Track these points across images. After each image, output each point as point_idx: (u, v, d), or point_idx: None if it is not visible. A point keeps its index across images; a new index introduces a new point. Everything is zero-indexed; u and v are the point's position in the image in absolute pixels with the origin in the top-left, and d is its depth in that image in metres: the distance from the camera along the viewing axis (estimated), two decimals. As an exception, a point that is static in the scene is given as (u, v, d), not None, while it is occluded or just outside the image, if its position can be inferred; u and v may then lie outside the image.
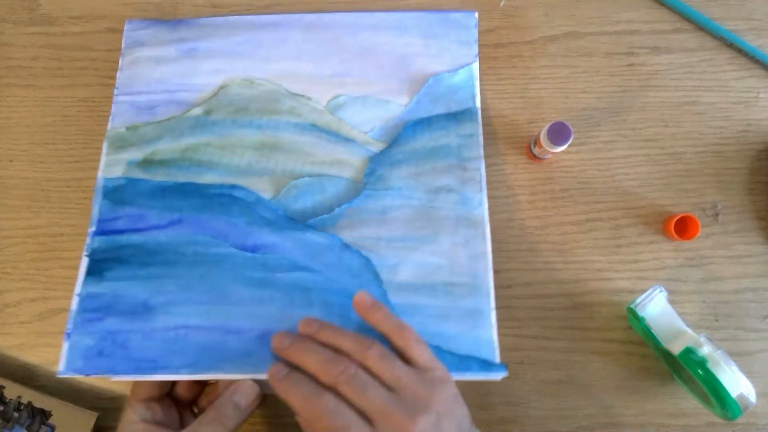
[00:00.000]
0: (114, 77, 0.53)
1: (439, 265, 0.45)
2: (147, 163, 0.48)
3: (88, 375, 0.41)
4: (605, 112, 0.51)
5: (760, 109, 0.51)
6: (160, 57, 0.51)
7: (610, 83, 0.52)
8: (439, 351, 0.42)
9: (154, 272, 0.44)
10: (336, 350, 0.37)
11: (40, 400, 0.47)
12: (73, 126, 0.53)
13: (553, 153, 0.48)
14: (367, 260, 0.45)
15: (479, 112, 0.49)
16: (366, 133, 0.49)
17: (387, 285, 0.45)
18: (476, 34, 0.51)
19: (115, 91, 0.51)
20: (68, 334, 0.43)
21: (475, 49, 0.51)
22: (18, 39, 0.55)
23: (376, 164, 0.48)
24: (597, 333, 0.48)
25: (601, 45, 0.52)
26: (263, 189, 0.47)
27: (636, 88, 0.52)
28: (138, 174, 0.48)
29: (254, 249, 0.45)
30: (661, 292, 0.44)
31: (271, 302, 0.43)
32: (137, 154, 0.48)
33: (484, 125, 0.51)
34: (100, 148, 0.52)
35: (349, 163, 0.48)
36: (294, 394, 0.35)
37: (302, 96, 0.50)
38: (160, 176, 0.47)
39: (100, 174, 0.48)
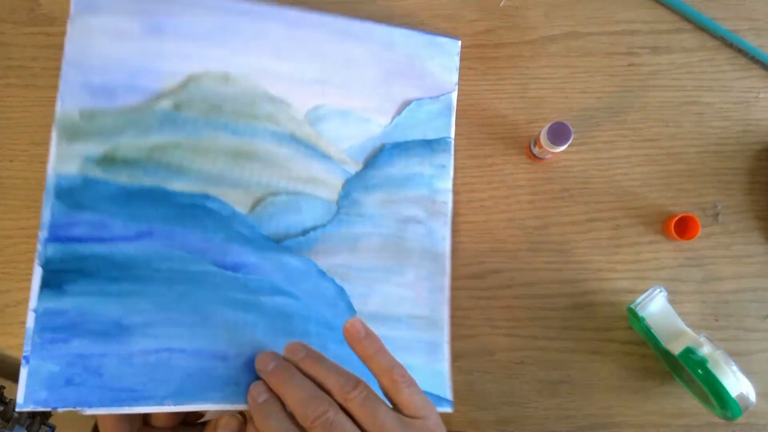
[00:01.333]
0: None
1: (404, 297, 0.46)
2: (108, 161, 0.42)
3: (54, 409, 0.35)
4: (605, 112, 0.51)
5: (760, 109, 0.51)
6: (119, 30, 0.43)
7: (610, 83, 0.52)
8: None
9: (126, 288, 0.39)
10: (319, 384, 0.34)
11: (40, 400, 0.47)
12: (73, 126, 0.53)
13: (553, 153, 0.48)
14: (341, 290, 0.45)
15: (452, 143, 0.50)
16: (342, 151, 0.48)
17: (358, 315, 0.44)
18: (458, 62, 0.51)
19: (63, 63, 0.43)
20: (26, 358, 0.36)
21: (456, 77, 0.51)
22: (18, 39, 0.55)
23: (351, 187, 0.47)
24: (597, 333, 0.48)
25: (601, 45, 0.52)
26: (237, 202, 0.44)
27: (636, 88, 0.52)
28: (97, 173, 0.41)
29: (234, 268, 0.42)
30: (661, 292, 0.44)
31: (255, 327, 0.41)
32: (96, 148, 0.42)
33: (483, 125, 0.51)
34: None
35: (324, 181, 0.47)
36: (267, 427, 0.33)
37: (281, 101, 0.46)
38: (123, 177, 0.41)
39: (50, 169, 0.41)
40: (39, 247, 0.39)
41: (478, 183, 0.50)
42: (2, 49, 0.55)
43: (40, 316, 0.37)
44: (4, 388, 0.47)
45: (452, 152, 0.50)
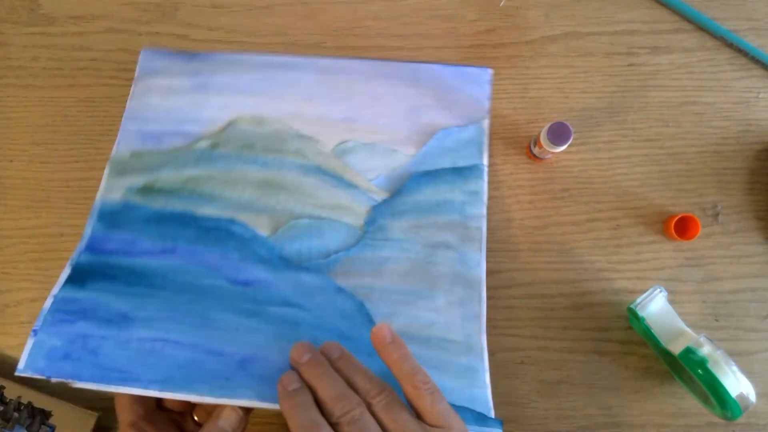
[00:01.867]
0: (114, 77, 0.53)
1: (434, 321, 0.44)
2: (147, 190, 0.47)
3: (48, 378, 0.37)
4: (605, 112, 0.51)
5: (760, 109, 0.51)
6: (171, 87, 0.50)
7: (610, 83, 0.52)
8: None
9: (140, 291, 0.42)
10: (350, 384, 0.35)
11: (40, 400, 0.47)
12: (73, 126, 0.53)
13: (553, 153, 0.48)
14: (361, 304, 0.44)
15: (486, 170, 0.49)
16: (370, 180, 0.48)
17: None
18: (489, 91, 0.50)
19: (124, 117, 0.50)
20: (35, 331, 0.39)
21: (487, 105, 0.50)
22: (18, 39, 0.55)
23: (378, 213, 0.47)
24: (597, 333, 0.48)
25: (601, 45, 0.52)
26: (261, 226, 0.46)
27: (636, 88, 0.52)
28: (136, 200, 0.46)
29: (245, 283, 0.44)
30: (661, 292, 0.44)
31: (258, 332, 0.41)
32: (138, 180, 0.47)
33: (484, 125, 0.51)
34: (101, 148, 0.52)
35: (350, 209, 0.47)
36: (295, 417, 0.33)
37: (310, 138, 0.49)
38: (158, 203, 0.46)
39: (98, 197, 0.47)
40: (74, 254, 0.44)
41: (478, 183, 0.50)
42: (2, 49, 0.55)
43: (57, 301, 0.41)
44: (4, 388, 0.47)
45: (485, 179, 0.48)
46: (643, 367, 0.47)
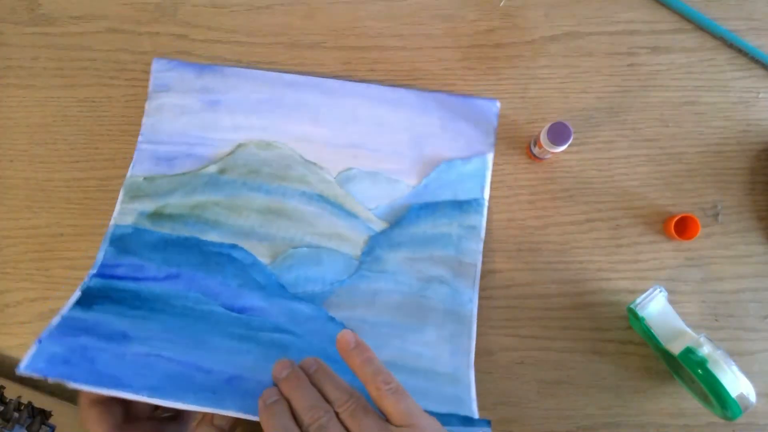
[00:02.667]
0: (114, 77, 0.53)
1: (422, 354, 0.45)
2: (157, 216, 0.49)
3: (46, 377, 0.39)
4: (605, 112, 0.51)
5: (760, 109, 0.51)
6: (184, 106, 0.51)
7: (610, 83, 0.52)
8: None
9: (141, 314, 0.44)
10: (323, 394, 0.36)
11: (40, 400, 0.47)
12: (73, 126, 0.53)
13: (553, 153, 0.48)
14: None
15: (486, 204, 0.49)
16: (370, 210, 0.49)
17: None
18: (495, 123, 0.51)
19: (140, 138, 0.51)
20: (39, 341, 0.41)
21: (493, 138, 0.50)
22: (18, 39, 0.55)
23: (375, 244, 0.48)
24: (597, 333, 0.48)
25: (601, 45, 0.52)
26: (262, 253, 0.48)
27: (636, 88, 0.52)
28: (146, 225, 0.49)
29: (241, 310, 0.46)
30: (661, 292, 0.44)
31: (248, 354, 0.43)
32: (150, 205, 0.49)
33: (484, 125, 0.51)
34: (100, 148, 0.52)
35: (349, 238, 0.48)
36: (270, 427, 0.35)
37: (314, 164, 0.50)
38: (166, 229, 0.48)
39: (112, 221, 0.49)
40: (85, 279, 0.46)
41: (478, 183, 0.50)
42: (2, 49, 0.55)
43: (64, 318, 0.43)
44: (4, 388, 0.47)
45: (485, 214, 0.49)
46: (643, 367, 0.47)
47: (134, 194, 0.50)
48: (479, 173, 0.50)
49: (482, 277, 0.49)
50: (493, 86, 0.52)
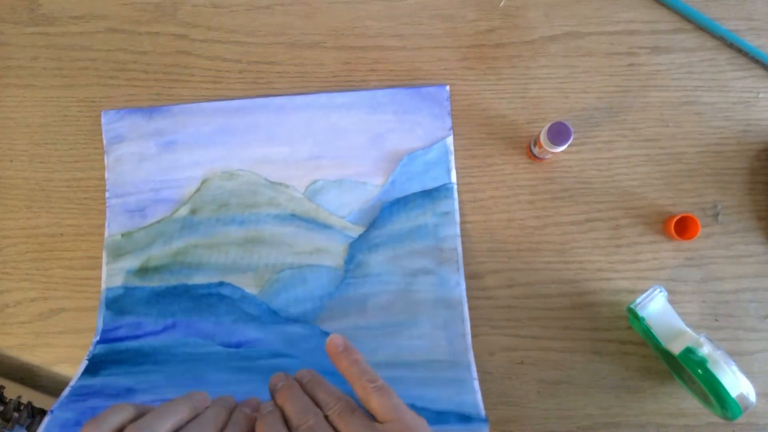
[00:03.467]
0: (114, 77, 0.53)
1: (418, 347, 0.46)
2: (143, 271, 0.50)
3: None
4: (605, 112, 0.51)
5: (760, 109, 0.51)
6: (142, 153, 0.51)
7: (610, 83, 0.52)
8: (413, 408, 0.40)
9: (145, 368, 0.47)
10: (314, 400, 0.37)
11: (40, 400, 0.47)
12: (73, 126, 0.53)
13: (553, 153, 0.48)
14: None
15: (455, 187, 0.50)
16: (343, 218, 0.50)
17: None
18: (449, 107, 0.51)
19: (107, 194, 0.51)
20: (51, 411, 0.43)
21: (449, 123, 0.51)
22: (18, 39, 0.55)
23: (355, 250, 0.49)
24: (597, 333, 0.48)
25: (601, 45, 0.52)
26: (248, 284, 0.49)
27: (636, 88, 0.52)
28: (135, 282, 0.49)
29: (238, 345, 0.48)
30: (661, 292, 0.44)
31: (248, 383, 0.44)
32: (134, 262, 0.50)
33: (483, 125, 0.51)
34: (100, 148, 0.52)
35: (328, 250, 0.49)
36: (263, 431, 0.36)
37: (280, 184, 0.50)
38: (155, 282, 0.49)
39: (103, 285, 0.50)
40: (91, 347, 0.48)
41: (478, 183, 0.50)
42: (2, 49, 0.55)
43: (74, 388, 0.45)
44: (4, 388, 0.47)
45: (455, 198, 0.49)
46: (643, 367, 0.47)
47: (117, 253, 0.50)
48: (443, 159, 0.50)
49: (482, 276, 0.49)
50: (493, 86, 0.52)
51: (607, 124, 0.51)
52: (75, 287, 0.51)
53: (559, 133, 0.46)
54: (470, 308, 0.48)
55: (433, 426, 0.39)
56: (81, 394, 0.45)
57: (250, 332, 0.48)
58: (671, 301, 0.44)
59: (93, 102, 0.53)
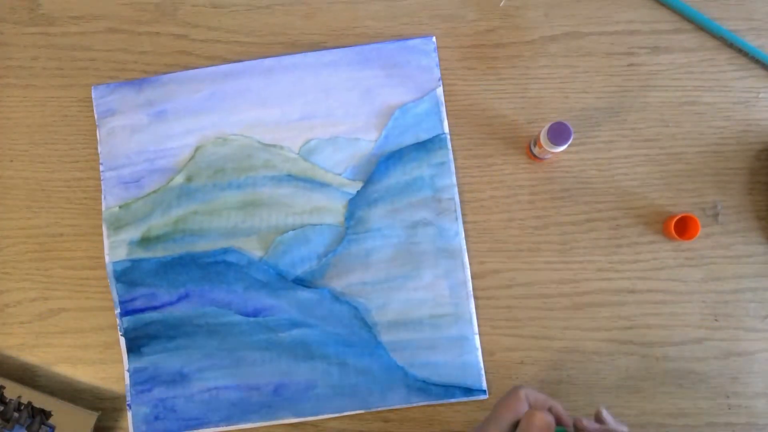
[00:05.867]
0: (114, 77, 0.53)
1: (423, 300, 0.48)
2: (145, 241, 0.50)
3: None
4: (605, 112, 0.51)
5: (760, 109, 0.51)
6: (133, 125, 0.52)
7: (610, 83, 0.52)
8: (426, 384, 0.47)
9: (180, 344, 0.49)
10: None
11: (40, 400, 0.47)
12: (73, 126, 0.53)
13: (553, 153, 0.48)
14: (356, 309, 0.48)
15: (448, 137, 0.50)
16: (340, 175, 0.50)
17: (376, 326, 0.48)
18: (437, 59, 0.51)
19: (101, 167, 0.51)
20: (129, 405, 0.49)
21: (437, 74, 0.51)
22: (18, 39, 0.55)
23: (355, 207, 0.50)
24: (597, 333, 0.48)
25: (601, 45, 0.52)
26: (253, 248, 0.50)
27: (636, 88, 0.52)
28: (140, 253, 0.50)
29: (255, 313, 0.49)
30: None
31: (279, 360, 0.49)
32: (135, 233, 0.50)
33: (483, 125, 0.51)
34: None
35: (328, 208, 0.50)
36: None
37: (274, 146, 0.51)
38: (159, 252, 0.50)
39: (107, 259, 0.50)
40: (118, 321, 0.50)
41: (478, 183, 0.50)
42: (2, 49, 0.55)
43: (132, 374, 0.49)
44: (4, 388, 0.47)
45: (449, 147, 0.50)
46: (643, 367, 0.47)
47: (116, 225, 0.51)
48: (434, 110, 0.51)
49: (482, 276, 0.49)
50: (493, 86, 0.52)
51: (607, 124, 0.51)
52: (75, 287, 0.51)
53: (559, 133, 0.46)
54: (470, 308, 0.48)
55: (440, 400, 0.47)
56: (142, 382, 0.49)
57: (263, 299, 0.49)
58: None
59: (93, 102, 0.53)
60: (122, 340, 0.50)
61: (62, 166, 0.52)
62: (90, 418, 0.47)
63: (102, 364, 0.50)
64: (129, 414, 0.49)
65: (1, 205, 0.52)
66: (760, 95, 0.51)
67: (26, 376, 0.50)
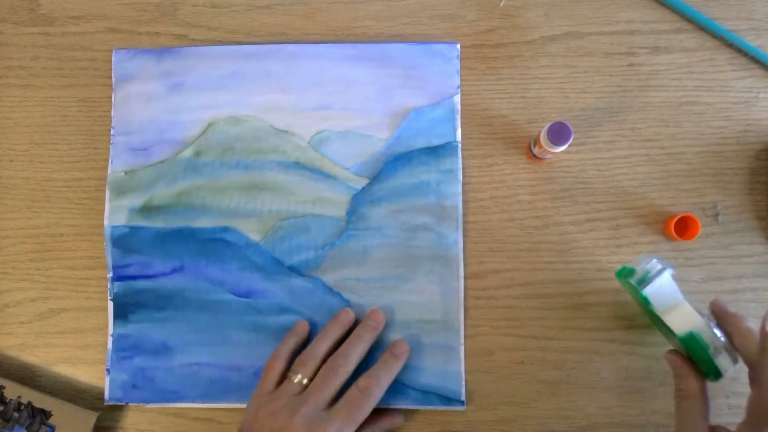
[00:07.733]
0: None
1: (414, 303, 0.48)
2: (146, 210, 0.50)
3: (126, 403, 0.49)
4: (605, 112, 0.51)
5: (760, 109, 0.51)
6: (149, 93, 0.52)
7: (610, 83, 0.52)
8: (403, 387, 0.47)
9: (169, 315, 0.49)
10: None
11: (40, 400, 0.47)
12: (73, 126, 0.53)
13: (553, 153, 0.48)
14: (347, 303, 0.48)
15: (459, 146, 0.50)
16: (347, 169, 0.50)
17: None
18: (458, 66, 0.51)
19: (112, 131, 0.51)
20: (108, 370, 0.49)
21: (457, 81, 0.51)
22: (18, 39, 0.55)
23: (358, 202, 0.49)
24: (597, 333, 0.48)
25: (601, 45, 0.52)
26: (252, 231, 0.50)
27: (636, 88, 0.52)
28: (140, 221, 0.50)
29: (247, 294, 0.49)
30: (665, 269, 0.41)
31: (265, 343, 0.48)
32: (137, 200, 0.50)
33: (484, 125, 0.51)
34: (100, 148, 0.52)
35: (331, 201, 0.50)
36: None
37: (286, 132, 0.51)
38: (159, 222, 0.50)
39: (106, 222, 0.50)
40: (108, 285, 0.50)
41: (478, 183, 0.50)
42: (2, 49, 0.55)
43: (115, 339, 0.49)
44: (4, 388, 0.47)
45: (459, 156, 0.50)
46: (643, 367, 0.47)
47: (120, 190, 0.50)
48: (449, 117, 0.50)
49: (482, 276, 0.49)
50: (493, 86, 0.52)
51: (607, 124, 0.51)
52: (75, 287, 0.51)
53: (559, 133, 0.46)
54: (470, 308, 0.48)
55: (416, 405, 0.47)
56: (124, 348, 0.49)
57: (257, 282, 0.49)
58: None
59: (93, 102, 0.53)
60: (110, 305, 0.49)
61: (62, 166, 0.52)
62: (90, 418, 0.47)
63: (102, 364, 0.50)
64: (107, 379, 0.48)
65: (1, 205, 0.52)
66: (760, 95, 0.51)
67: (26, 376, 0.50)
